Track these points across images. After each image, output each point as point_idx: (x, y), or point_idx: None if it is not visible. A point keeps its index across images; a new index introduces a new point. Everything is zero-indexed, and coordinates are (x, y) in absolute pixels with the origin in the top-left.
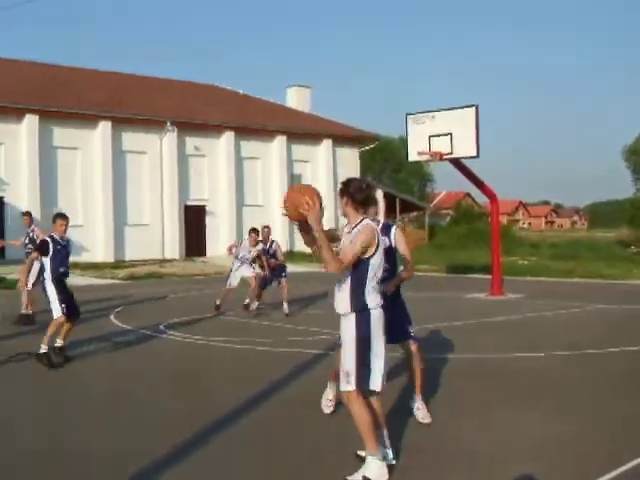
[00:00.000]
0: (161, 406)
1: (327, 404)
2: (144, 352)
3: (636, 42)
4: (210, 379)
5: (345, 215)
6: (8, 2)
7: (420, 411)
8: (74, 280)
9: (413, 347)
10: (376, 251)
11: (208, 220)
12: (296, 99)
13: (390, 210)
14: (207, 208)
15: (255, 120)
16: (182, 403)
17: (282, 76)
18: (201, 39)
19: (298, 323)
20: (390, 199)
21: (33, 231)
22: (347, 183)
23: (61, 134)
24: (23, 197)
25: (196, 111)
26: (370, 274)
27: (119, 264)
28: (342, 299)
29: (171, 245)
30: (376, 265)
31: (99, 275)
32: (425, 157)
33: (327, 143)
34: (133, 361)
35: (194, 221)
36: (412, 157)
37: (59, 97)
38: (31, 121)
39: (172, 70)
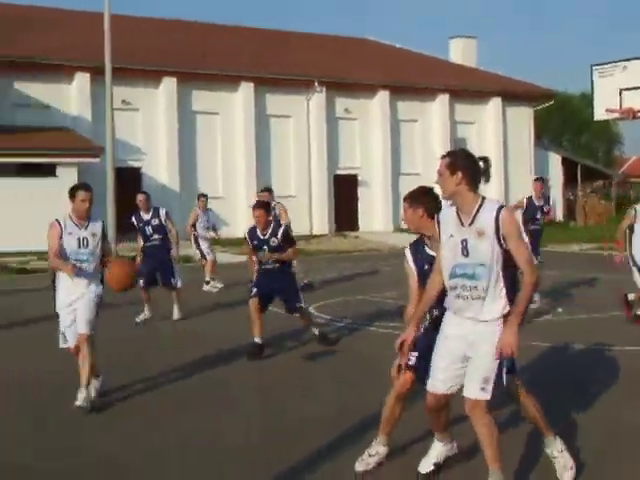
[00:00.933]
0: None
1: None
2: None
3: None
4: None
5: (451, 196)
6: None
7: None
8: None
9: None
10: None
11: (360, 191)
12: (460, 52)
13: (570, 179)
14: (359, 177)
15: (413, 77)
16: None
17: (444, 27)
18: None
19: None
20: (570, 166)
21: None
22: (456, 154)
23: (200, 97)
24: (162, 167)
25: (347, 69)
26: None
27: None
28: (492, 303)
29: (319, 219)
30: None
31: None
32: (615, 115)
33: (496, 102)
34: None
35: (345, 192)
36: (599, 115)
37: (198, 58)
38: (168, 84)
39: (319, 25)
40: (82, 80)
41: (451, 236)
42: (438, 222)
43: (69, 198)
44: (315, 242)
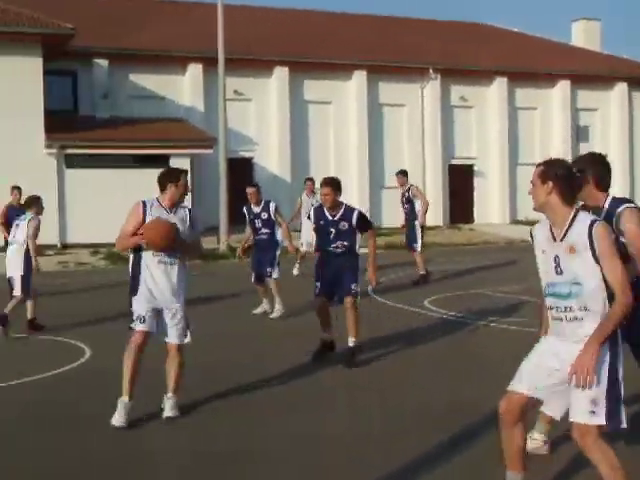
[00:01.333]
0: None
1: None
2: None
3: None
4: None
5: (541, 207)
6: None
7: None
8: None
9: None
10: None
11: (476, 181)
12: (583, 35)
13: None
14: (475, 168)
15: (532, 63)
16: None
17: (565, 9)
18: None
19: None
20: None
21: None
22: (550, 163)
23: (312, 87)
24: (273, 157)
25: (463, 55)
26: None
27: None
28: (592, 323)
29: (434, 210)
30: None
31: None
32: None
33: (621, 87)
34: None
35: (460, 183)
36: None
37: (310, 47)
38: (280, 74)
39: (433, 10)
40: (195, 71)
41: (543, 252)
42: (532, 236)
43: (167, 182)
44: (429, 234)
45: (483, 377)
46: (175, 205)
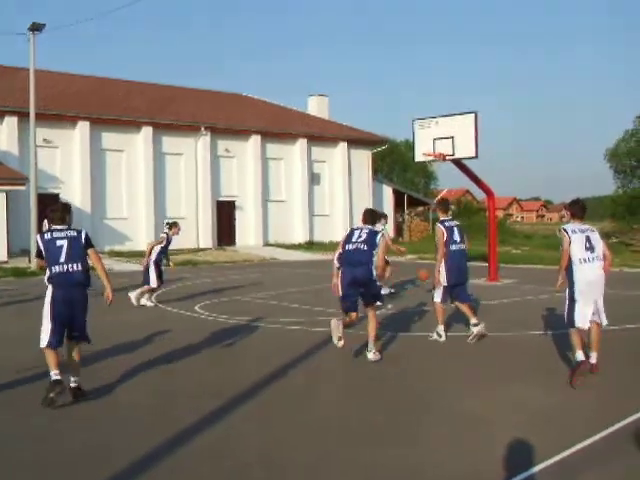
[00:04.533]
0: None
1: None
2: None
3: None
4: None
5: None
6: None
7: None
8: (123, 266)
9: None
10: None
11: (237, 214)
12: (316, 106)
13: (398, 205)
14: (236, 203)
15: (279, 125)
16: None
17: (303, 86)
18: (228, 55)
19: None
20: (398, 195)
21: None
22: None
23: (109, 138)
24: (76, 193)
25: (227, 118)
26: None
27: None
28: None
29: (205, 236)
30: None
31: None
32: (430, 158)
33: (343, 145)
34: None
35: (225, 214)
36: (418, 158)
37: (107, 106)
38: (83, 127)
39: (204, 81)
40: (10, 122)
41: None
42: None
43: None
44: (201, 254)
45: (236, 363)
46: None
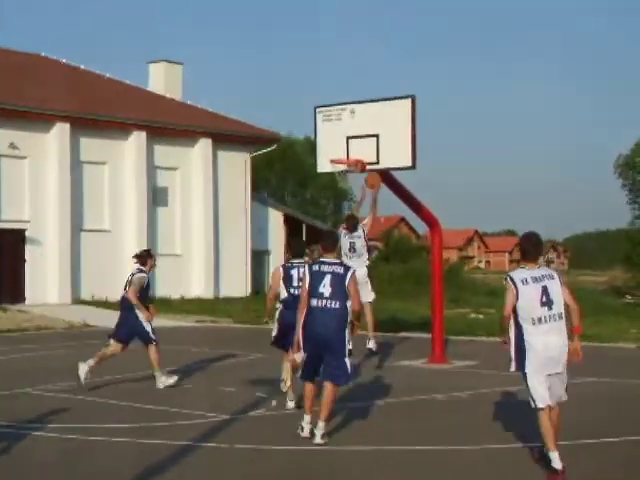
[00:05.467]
0: None
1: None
2: None
3: None
4: None
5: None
6: None
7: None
8: None
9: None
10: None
11: (29, 249)
12: (162, 80)
13: (293, 237)
14: (27, 233)
15: (99, 107)
16: None
17: (143, 50)
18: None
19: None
20: (294, 224)
21: None
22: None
23: None
24: None
25: (17, 92)
26: None
27: None
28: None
29: None
30: None
31: None
32: (341, 167)
33: (205, 144)
34: None
35: (7, 251)
36: (323, 167)
37: None
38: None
39: None
40: None
41: None
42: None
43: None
44: None
45: None
46: None
